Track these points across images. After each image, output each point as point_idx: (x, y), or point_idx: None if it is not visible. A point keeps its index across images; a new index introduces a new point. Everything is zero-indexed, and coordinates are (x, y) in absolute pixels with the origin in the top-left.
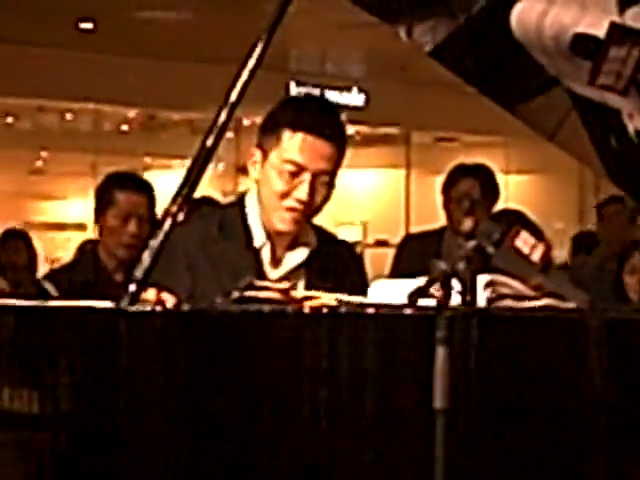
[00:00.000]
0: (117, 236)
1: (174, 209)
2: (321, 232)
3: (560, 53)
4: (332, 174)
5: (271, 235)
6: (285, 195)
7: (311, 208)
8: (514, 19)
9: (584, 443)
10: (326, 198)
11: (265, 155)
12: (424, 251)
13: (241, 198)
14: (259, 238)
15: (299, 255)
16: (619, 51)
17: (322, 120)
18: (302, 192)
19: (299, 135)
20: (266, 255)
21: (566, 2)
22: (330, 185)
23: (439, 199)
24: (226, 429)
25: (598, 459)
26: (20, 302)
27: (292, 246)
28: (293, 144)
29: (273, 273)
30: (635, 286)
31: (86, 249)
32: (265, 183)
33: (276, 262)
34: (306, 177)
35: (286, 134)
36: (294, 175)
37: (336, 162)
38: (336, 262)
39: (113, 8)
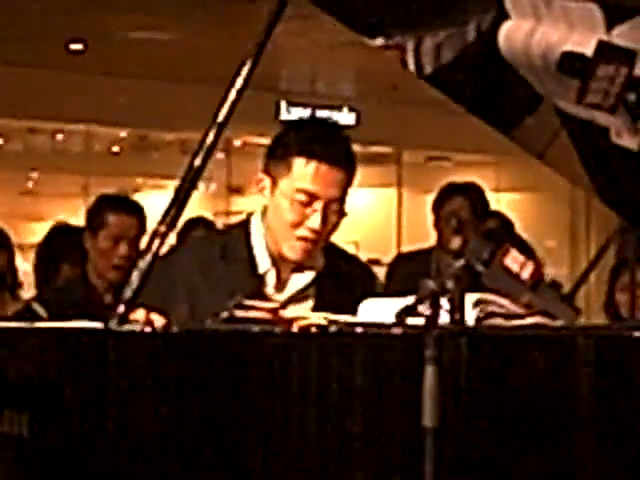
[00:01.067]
0: (108, 258)
1: (162, 229)
2: (330, 250)
3: (548, 72)
4: (342, 200)
5: (276, 259)
6: (297, 225)
7: (323, 236)
8: (502, 38)
9: (573, 461)
10: (336, 224)
11: (274, 182)
12: (416, 270)
13: (246, 221)
14: (264, 264)
15: (304, 278)
16: (607, 69)
17: (334, 147)
18: (315, 221)
19: (312, 164)
20: (271, 280)
21: (553, 21)
22: (341, 212)
23: (430, 218)
24: (216, 448)
25: (587, 476)
26: (7, 324)
27: (297, 269)
28: (306, 173)
29: (277, 296)
30: (626, 303)
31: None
32: (275, 211)
33: (281, 286)
34: (318, 206)
35: (298, 162)
36: (306, 204)
37: (347, 187)
38: (346, 280)
39: (103, 29)
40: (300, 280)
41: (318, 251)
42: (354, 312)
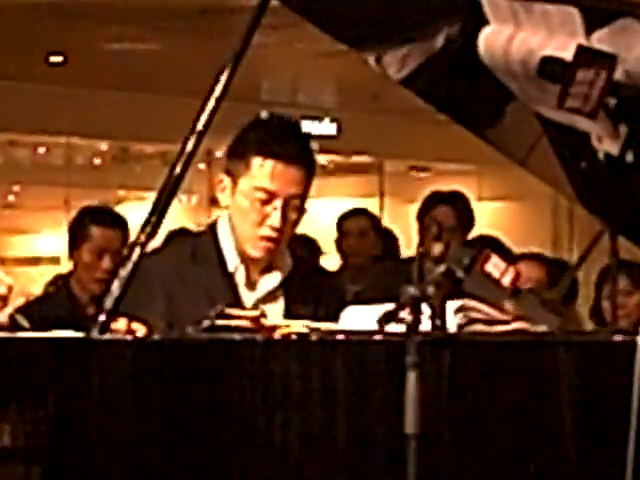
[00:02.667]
0: (92, 271)
1: (142, 238)
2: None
3: (528, 77)
4: (303, 197)
5: (245, 259)
6: (258, 223)
7: (284, 233)
8: (481, 44)
9: (556, 466)
10: (297, 222)
11: (234, 181)
12: (398, 279)
13: (212, 225)
14: (232, 262)
15: (274, 278)
16: (587, 74)
17: (290, 145)
18: (275, 219)
19: (269, 162)
20: (241, 279)
21: (533, 26)
22: (301, 209)
23: (413, 228)
24: (198, 456)
25: None
26: None
27: (267, 269)
28: (263, 171)
29: (249, 296)
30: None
31: (58, 283)
32: (237, 211)
33: (251, 285)
34: (278, 204)
35: (255, 161)
36: (265, 202)
37: (306, 185)
38: (314, 282)
39: (83, 41)
40: (270, 281)
41: (285, 251)
42: (324, 313)
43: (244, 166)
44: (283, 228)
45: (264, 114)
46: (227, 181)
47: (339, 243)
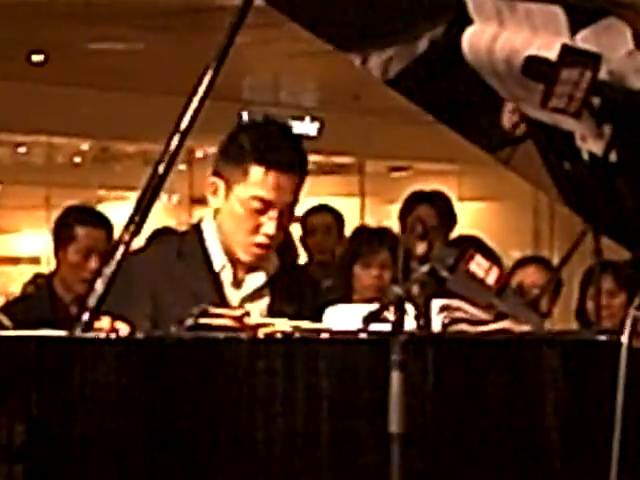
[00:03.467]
0: (78, 271)
1: (126, 237)
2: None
3: (512, 76)
4: (295, 203)
5: (232, 259)
6: (252, 231)
7: (277, 239)
8: (465, 43)
9: (540, 465)
10: (288, 227)
11: (229, 186)
12: None
13: (197, 225)
14: (219, 261)
15: (260, 277)
16: (571, 73)
17: (289, 154)
18: (270, 228)
19: (271, 173)
20: (227, 277)
21: (517, 25)
22: (292, 214)
23: (394, 228)
24: (182, 455)
25: None
26: None
27: (253, 268)
28: (264, 182)
29: (235, 295)
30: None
31: (39, 282)
32: (229, 216)
33: (237, 284)
34: (274, 214)
35: (255, 170)
36: (262, 212)
37: (299, 191)
38: (298, 282)
39: (64, 40)
40: (256, 280)
41: (272, 252)
42: (309, 312)
43: (241, 173)
44: (276, 236)
45: (258, 117)
46: (220, 184)
47: (304, 240)
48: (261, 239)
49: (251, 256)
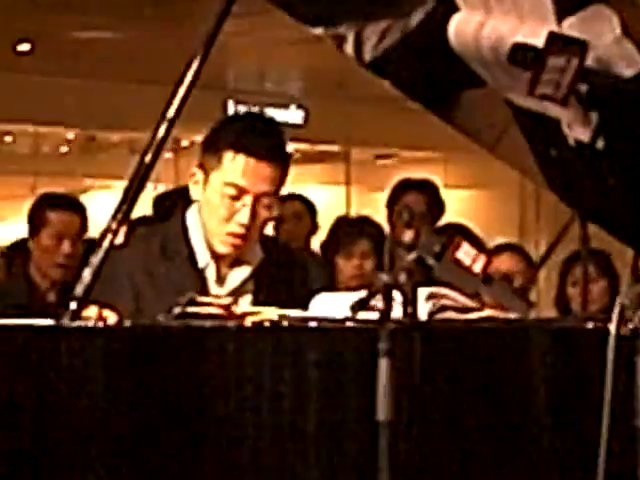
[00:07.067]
0: (52, 256)
1: (114, 226)
2: (269, 243)
3: (498, 64)
4: (275, 195)
5: (215, 254)
6: (227, 219)
7: (253, 230)
8: (452, 31)
9: (530, 451)
10: (269, 219)
11: (207, 175)
12: None
13: (182, 216)
14: (203, 258)
15: (242, 272)
16: (558, 60)
17: (264, 142)
18: (244, 216)
19: (241, 157)
20: (211, 274)
21: (504, 13)
22: (271, 206)
23: (380, 216)
24: (170, 445)
25: (543, 469)
26: None
27: (236, 263)
28: (234, 167)
29: (219, 291)
30: (577, 298)
31: (12, 271)
32: (207, 205)
33: (221, 280)
34: (248, 201)
35: (227, 156)
36: (235, 198)
37: (278, 183)
38: (284, 272)
39: (50, 29)
40: (238, 275)
41: (255, 245)
42: (294, 306)
43: (217, 160)
44: (251, 225)
45: (238, 109)
46: (200, 175)
47: (276, 228)
48: (235, 228)
49: (227, 247)
